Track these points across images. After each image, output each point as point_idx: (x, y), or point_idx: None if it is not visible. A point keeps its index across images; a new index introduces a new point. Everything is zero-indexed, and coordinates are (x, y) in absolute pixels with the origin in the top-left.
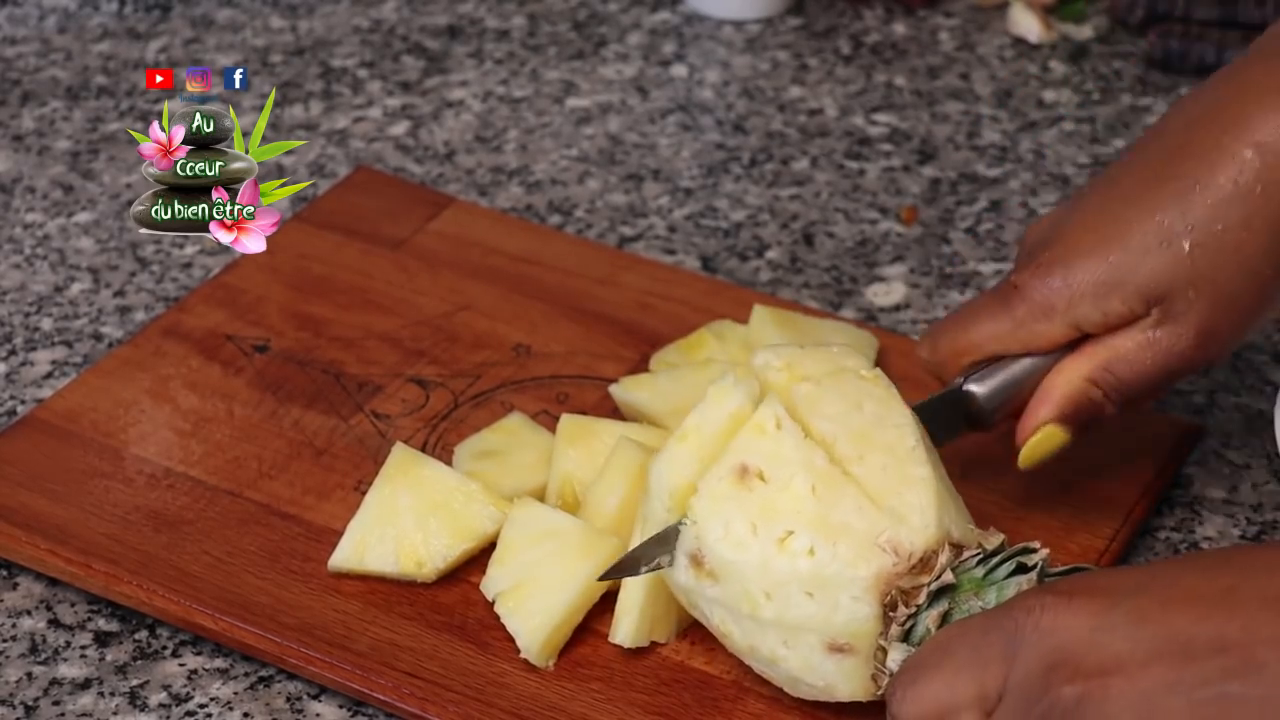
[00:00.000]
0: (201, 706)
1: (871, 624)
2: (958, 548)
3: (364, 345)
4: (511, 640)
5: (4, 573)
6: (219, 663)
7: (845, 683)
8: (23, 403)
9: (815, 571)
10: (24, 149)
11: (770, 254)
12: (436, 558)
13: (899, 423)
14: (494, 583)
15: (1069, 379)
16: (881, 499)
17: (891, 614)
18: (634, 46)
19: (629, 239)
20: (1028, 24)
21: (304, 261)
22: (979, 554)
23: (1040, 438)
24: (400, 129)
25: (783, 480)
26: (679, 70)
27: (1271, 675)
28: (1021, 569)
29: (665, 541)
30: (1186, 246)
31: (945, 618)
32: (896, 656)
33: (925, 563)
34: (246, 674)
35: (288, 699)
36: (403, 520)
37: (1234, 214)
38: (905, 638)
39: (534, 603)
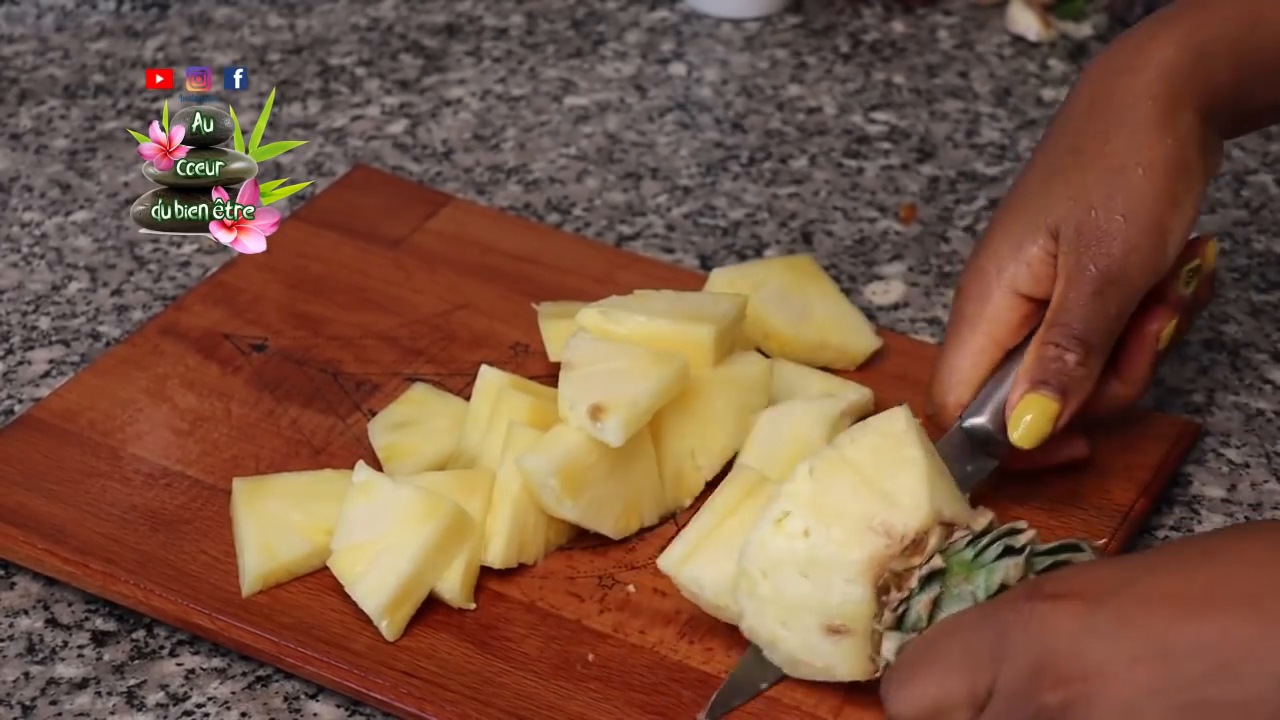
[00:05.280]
0: (199, 706)
1: (865, 606)
2: (949, 527)
3: (362, 344)
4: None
5: (1, 572)
6: (216, 662)
7: (844, 663)
8: (20, 402)
9: (810, 554)
10: (21, 147)
11: (769, 252)
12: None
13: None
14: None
15: (1031, 350)
16: (875, 481)
17: (884, 598)
18: (632, 45)
19: (627, 238)
20: (1027, 22)
21: (302, 260)
22: (968, 535)
23: (1023, 408)
24: (398, 127)
25: None
26: (677, 68)
27: (1249, 678)
28: (1010, 551)
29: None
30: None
31: (936, 603)
32: (890, 645)
33: (917, 544)
34: (244, 673)
35: (285, 698)
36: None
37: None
38: (898, 624)
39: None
